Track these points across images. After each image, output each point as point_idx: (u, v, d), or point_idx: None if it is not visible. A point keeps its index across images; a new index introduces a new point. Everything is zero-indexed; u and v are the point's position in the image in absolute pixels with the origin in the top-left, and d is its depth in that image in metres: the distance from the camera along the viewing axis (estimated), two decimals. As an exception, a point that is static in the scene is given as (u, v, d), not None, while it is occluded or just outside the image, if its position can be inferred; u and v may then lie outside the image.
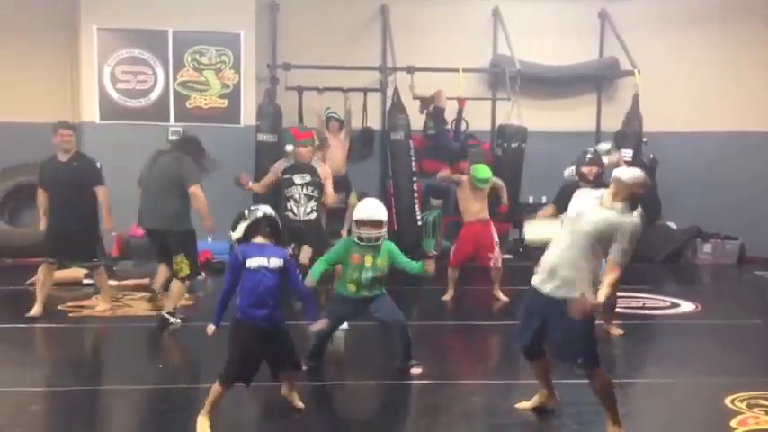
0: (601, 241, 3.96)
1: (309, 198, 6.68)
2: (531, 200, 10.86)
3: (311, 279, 5.13)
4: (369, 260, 5.13)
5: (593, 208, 4.04)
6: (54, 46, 10.49)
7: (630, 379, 4.42)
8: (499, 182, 8.09)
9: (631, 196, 3.99)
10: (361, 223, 5.13)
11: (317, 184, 6.72)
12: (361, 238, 5.11)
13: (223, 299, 4.18)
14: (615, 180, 4.05)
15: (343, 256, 5.18)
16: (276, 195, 7.03)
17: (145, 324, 6.71)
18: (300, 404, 4.56)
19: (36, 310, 6.71)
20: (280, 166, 6.86)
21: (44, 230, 6.88)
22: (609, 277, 3.93)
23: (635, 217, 3.99)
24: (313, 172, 6.68)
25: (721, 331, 6.81)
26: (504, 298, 7.73)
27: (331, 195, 6.86)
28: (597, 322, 5.00)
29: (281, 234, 4.39)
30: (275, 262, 4.16)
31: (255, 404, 4.74)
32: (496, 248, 7.81)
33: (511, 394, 4.79)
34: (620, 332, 6.27)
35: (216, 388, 4.12)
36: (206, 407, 4.13)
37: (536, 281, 4.18)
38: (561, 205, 4.30)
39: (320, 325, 4.57)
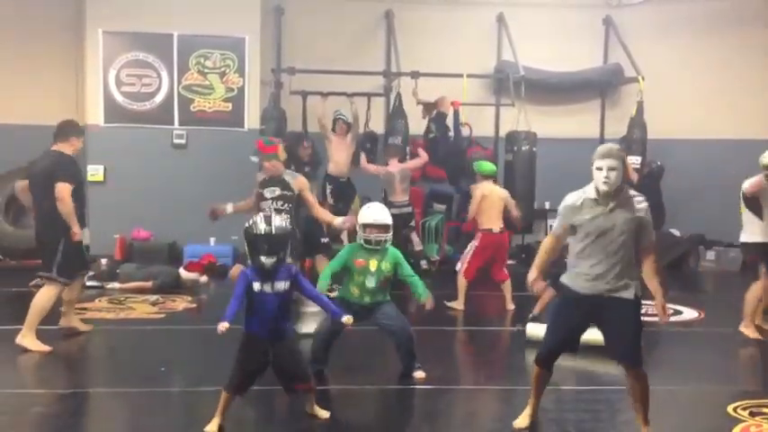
0: (631, 237, 3.99)
1: (279, 212, 6.09)
2: (547, 205, 10.90)
3: (323, 288, 5.14)
4: (374, 264, 5.13)
5: (611, 213, 3.97)
6: (59, 49, 10.54)
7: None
8: (508, 197, 7.95)
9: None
10: (367, 226, 5.14)
11: (288, 198, 6.30)
12: (367, 241, 5.12)
13: (235, 303, 4.18)
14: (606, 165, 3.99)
15: (348, 260, 5.18)
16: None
17: (147, 326, 6.72)
18: (325, 414, 4.50)
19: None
20: (257, 179, 6.50)
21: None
22: (653, 269, 4.03)
23: (643, 202, 4.03)
24: (284, 185, 6.27)
25: (724, 339, 6.79)
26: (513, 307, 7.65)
27: (314, 205, 6.43)
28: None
29: (291, 247, 4.33)
30: (279, 286, 4.19)
31: (260, 408, 4.74)
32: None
33: (512, 400, 4.78)
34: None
35: (223, 395, 4.20)
36: (216, 413, 4.19)
37: (578, 285, 4.06)
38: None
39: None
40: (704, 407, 4.95)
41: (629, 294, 4.02)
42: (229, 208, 6.56)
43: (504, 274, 7.72)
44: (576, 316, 4.12)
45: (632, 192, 4.09)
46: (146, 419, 4.59)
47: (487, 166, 7.94)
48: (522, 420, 4.33)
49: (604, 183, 3.93)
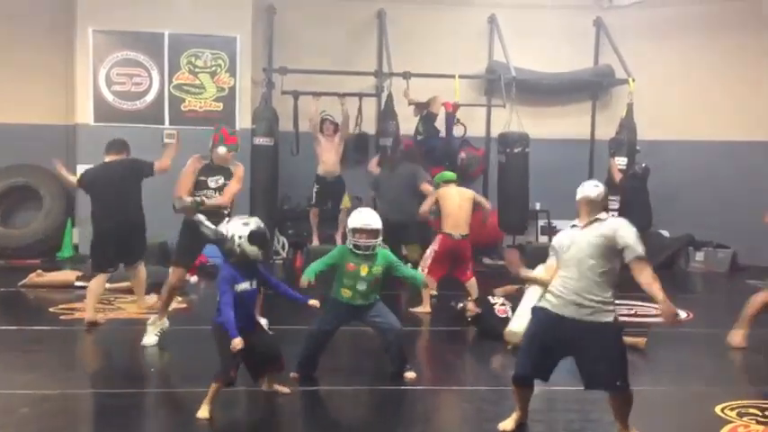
0: (606, 258, 3.99)
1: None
2: (537, 206, 10.97)
3: (307, 278, 5.14)
4: (364, 269, 5.12)
5: (579, 235, 4.08)
6: (50, 48, 10.49)
7: (621, 387, 4.43)
8: (474, 195, 7.97)
9: (604, 209, 4.13)
10: (356, 231, 5.14)
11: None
12: (357, 246, 5.12)
13: (231, 312, 4.36)
14: (585, 201, 4.12)
15: (339, 262, 5.19)
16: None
17: (136, 327, 6.69)
18: (286, 389, 4.77)
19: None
20: (196, 165, 6.03)
21: None
22: (647, 277, 3.98)
23: (617, 217, 4.13)
24: (227, 174, 6.03)
25: (712, 340, 6.82)
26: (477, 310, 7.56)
27: (228, 194, 6.05)
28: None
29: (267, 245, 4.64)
30: (255, 282, 4.58)
31: (249, 408, 4.74)
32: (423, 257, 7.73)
33: (502, 401, 4.79)
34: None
35: (214, 387, 4.35)
36: (205, 401, 4.35)
37: (554, 306, 4.07)
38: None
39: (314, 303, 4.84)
40: (692, 408, 4.97)
41: (607, 318, 4.00)
42: (187, 198, 5.98)
43: (469, 275, 7.70)
44: (546, 339, 4.10)
45: (609, 216, 4.14)
46: (135, 420, 4.58)
47: (448, 174, 8.11)
48: (508, 423, 4.32)
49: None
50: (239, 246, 4.49)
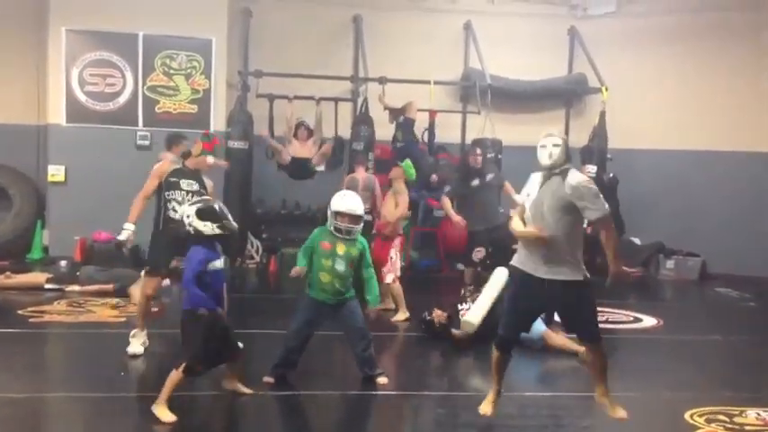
0: (561, 212, 4.09)
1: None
2: (511, 212, 10.93)
3: (299, 267, 5.16)
4: (341, 248, 5.13)
5: (544, 186, 4.20)
6: (22, 47, 10.36)
7: (591, 393, 4.46)
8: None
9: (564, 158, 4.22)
10: (339, 215, 5.13)
11: (201, 194, 5.83)
12: (338, 230, 5.12)
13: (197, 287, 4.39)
14: (543, 148, 4.29)
15: (315, 243, 5.18)
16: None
17: (107, 330, 6.61)
18: (248, 390, 4.76)
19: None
20: (166, 168, 5.95)
21: None
22: (609, 240, 4.08)
23: (578, 176, 4.19)
24: (202, 183, 5.95)
25: (682, 346, 6.92)
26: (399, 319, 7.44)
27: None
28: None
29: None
30: (222, 261, 4.61)
31: (219, 414, 4.70)
32: (389, 262, 7.53)
33: (477, 406, 4.80)
34: None
35: (177, 376, 4.34)
36: (163, 396, 4.33)
37: (527, 267, 4.20)
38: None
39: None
40: (662, 414, 5.03)
41: (576, 276, 4.11)
42: (130, 230, 5.90)
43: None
44: (529, 297, 4.24)
45: (573, 169, 4.23)
46: (104, 425, 4.52)
47: (413, 171, 8.10)
48: (486, 406, 4.45)
49: (549, 157, 4.20)
50: (190, 224, 4.50)
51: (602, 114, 10.53)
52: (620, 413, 4.29)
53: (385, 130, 10.28)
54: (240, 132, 9.72)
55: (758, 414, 4.79)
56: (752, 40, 11.03)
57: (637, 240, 11.23)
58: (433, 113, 10.44)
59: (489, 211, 8.26)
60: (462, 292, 7.96)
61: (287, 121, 9.85)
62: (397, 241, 7.71)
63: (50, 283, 8.13)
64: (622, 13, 11.63)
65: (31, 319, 6.85)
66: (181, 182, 5.87)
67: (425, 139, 10.64)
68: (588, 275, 4.16)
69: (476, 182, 8.24)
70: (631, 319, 7.93)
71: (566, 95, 11.73)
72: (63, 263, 9.05)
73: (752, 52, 11.03)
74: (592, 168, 10.34)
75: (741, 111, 10.98)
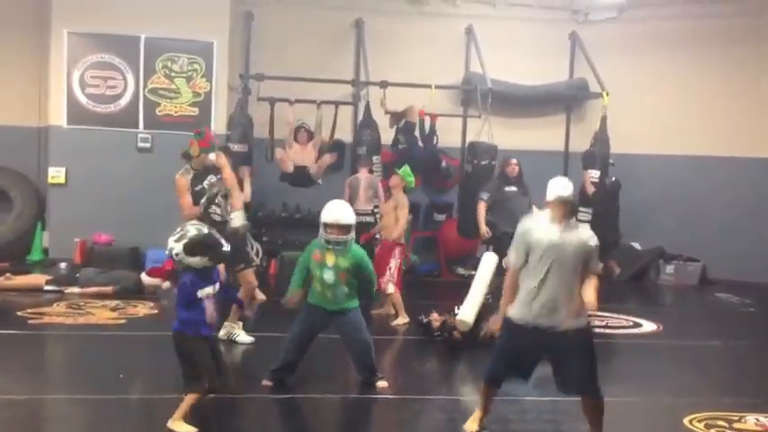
0: (583, 264, 4.03)
1: (225, 197, 6.16)
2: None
3: (291, 296, 5.19)
4: (330, 259, 5.12)
5: (558, 238, 4.04)
6: (23, 48, 10.37)
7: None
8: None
9: (575, 210, 4.19)
10: (327, 226, 5.13)
11: (220, 183, 6.17)
12: (327, 241, 5.12)
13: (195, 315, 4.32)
14: (560, 202, 4.08)
15: (308, 257, 5.22)
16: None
17: (106, 332, 6.61)
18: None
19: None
20: (186, 181, 6.06)
21: None
22: (594, 285, 4.03)
23: (592, 234, 4.14)
24: (215, 171, 6.13)
25: (682, 352, 6.91)
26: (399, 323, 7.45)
27: (230, 178, 6.27)
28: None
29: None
30: (216, 287, 4.39)
31: (219, 416, 4.69)
32: (387, 273, 7.56)
33: (473, 410, 4.80)
34: None
35: (193, 398, 4.24)
36: (179, 413, 4.21)
37: (529, 316, 4.05)
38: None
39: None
40: (661, 419, 5.02)
41: (581, 323, 4.05)
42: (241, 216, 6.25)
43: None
44: (521, 349, 4.11)
45: (579, 224, 4.20)
46: (103, 426, 4.52)
47: (412, 179, 8.00)
48: (471, 424, 4.37)
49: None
50: (180, 261, 4.37)
51: (604, 119, 10.52)
52: None
53: (389, 134, 10.28)
54: (240, 135, 9.72)
55: (757, 420, 4.79)
56: (752, 45, 11.05)
57: (637, 245, 11.23)
58: (434, 117, 10.44)
59: (521, 217, 8.30)
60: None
61: (287, 124, 9.85)
62: (398, 251, 7.73)
63: (50, 284, 8.13)
64: (624, 19, 11.63)
65: (30, 321, 6.85)
66: (204, 185, 6.01)
67: (427, 140, 10.60)
68: (590, 323, 4.12)
69: (512, 188, 8.52)
70: (631, 324, 7.93)
71: (567, 100, 11.73)
72: (63, 265, 9.04)
73: (752, 57, 11.05)
74: (594, 173, 10.33)
75: (741, 116, 10.99)
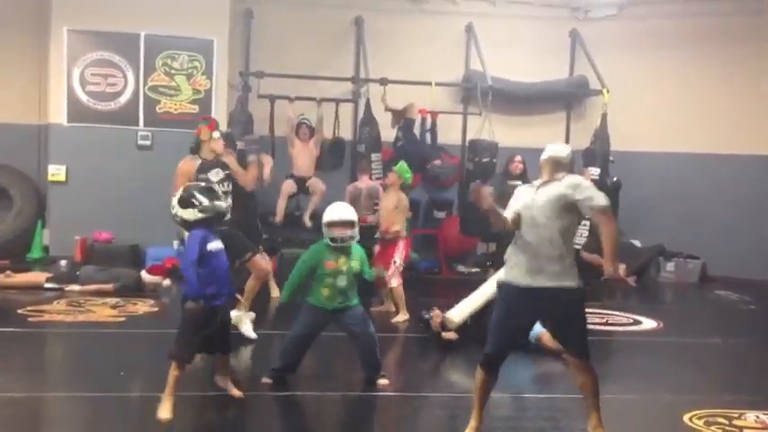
0: (564, 214, 3.91)
1: (227, 194, 6.11)
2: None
3: (285, 300, 5.19)
4: (344, 264, 5.13)
5: (538, 193, 4.00)
6: (23, 46, 10.37)
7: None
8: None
9: (570, 171, 4.07)
10: (332, 225, 5.13)
11: (230, 177, 6.28)
12: (333, 240, 5.11)
13: (195, 276, 4.34)
14: (552, 161, 4.04)
15: (315, 262, 5.15)
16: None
17: (107, 330, 6.62)
18: (238, 392, 4.68)
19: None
20: (190, 167, 6.11)
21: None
22: (607, 231, 3.88)
23: (578, 177, 4.09)
24: (224, 165, 6.21)
25: (681, 349, 6.92)
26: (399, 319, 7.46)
27: (241, 174, 6.50)
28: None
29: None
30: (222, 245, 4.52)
31: (218, 414, 4.70)
32: (392, 266, 7.52)
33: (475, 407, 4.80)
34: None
35: (172, 370, 4.34)
36: (166, 390, 4.31)
37: (517, 278, 3.97)
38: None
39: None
40: (661, 416, 5.02)
41: (570, 282, 3.92)
42: None
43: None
44: (518, 312, 3.99)
45: (569, 176, 4.06)
46: (103, 425, 4.53)
47: (410, 175, 7.93)
48: None
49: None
50: (176, 215, 4.49)
51: (604, 117, 10.52)
52: None
53: (390, 132, 10.27)
54: (241, 133, 9.70)
55: (757, 417, 4.79)
56: (752, 43, 11.04)
57: (637, 243, 11.23)
58: (434, 114, 10.44)
59: None
60: None
61: (288, 121, 9.85)
62: (401, 244, 7.70)
63: (50, 282, 8.14)
64: (624, 16, 11.63)
65: (30, 319, 6.85)
66: (209, 175, 6.02)
67: (428, 139, 10.59)
68: (582, 285, 3.97)
69: (518, 182, 8.28)
70: (631, 321, 7.94)
71: (567, 98, 11.73)
72: (63, 262, 9.05)
73: (752, 56, 11.04)
74: (595, 171, 10.33)
75: (742, 114, 10.98)
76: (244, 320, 6.35)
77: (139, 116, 10.14)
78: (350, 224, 5.14)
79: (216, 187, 5.62)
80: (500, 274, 6.11)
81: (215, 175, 6.05)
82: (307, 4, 11.04)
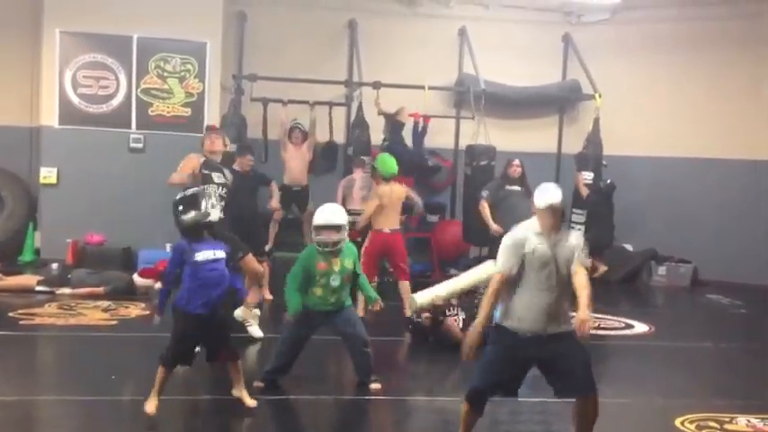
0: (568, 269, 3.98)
1: (221, 199, 6.04)
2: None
3: (293, 312, 5.08)
4: (336, 264, 5.11)
5: (552, 250, 3.95)
6: (15, 48, 10.33)
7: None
8: (409, 192, 7.97)
9: (564, 218, 4.06)
10: (320, 228, 5.11)
11: (229, 188, 6.17)
12: (321, 244, 5.09)
13: (167, 292, 4.55)
14: (551, 209, 3.94)
15: (309, 266, 5.13)
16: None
17: (98, 333, 6.59)
18: (252, 402, 4.67)
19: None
20: (195, 161, 6.06)
21: None
22: (587, 285, 3.95)
23: (579, 236, 4.14)
24: (226, 175, 6.15)
25: (673, 353, 6.94)
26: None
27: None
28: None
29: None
30: (220, 254, 4.49)
31: (212, 417, 4.69)
32: (407, 260, 7.62)
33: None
34: None
35: (159, 370, 4.42)
36: (153, 388, 4.40)
37: (530, 327, 3.92)
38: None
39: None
40: (652, 420, 5.04)
41: (569, 327, 3.98)
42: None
43: (404, 275, 7.66)
44: (515, 360, 3.97)
45: (569, 231, 4.18)
46: (95, 428, 4.51)
47: (390, 167, 7.72)
48: None
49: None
50: (176, 216, 4.48)
51: (596, 121, 10.56)
52: None
53: (378, 135, 10.28)
54: (233, 136, 9.68)
55: (748, 421, 4.81)
56: (745, 48, 11.07)
57: (629, 247, 11.26)
58: (426, 119, 10.45)
59: (524, 216, 8.25)
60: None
61: (281, 124, 9.85)
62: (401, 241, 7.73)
63: (41, 285, 8.10)
64: (617, 21, 11.67)
65: (21, 322, 6.82)
66: (212, 174, 5.99)
67: (419, 141, 10.58)
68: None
69: (514, 187, 8.38)
70: (623, 325, 7.95)
71: (559, 102, 11.76)
72: (54, 265, 8.99)
73: (745, 61, 11.07)
74: (588, 175, 10.36)
75: (734, 118, 11.02)
76: (248, 320, 6.38)
77: (132, 119, 10.11)
78: (337, 228, 5.08)
79: (215, 189, 5.69)
80: (488, 265, 6.03)
81: (218, 177, 6.01)
82: (300, 6, 11.04)
